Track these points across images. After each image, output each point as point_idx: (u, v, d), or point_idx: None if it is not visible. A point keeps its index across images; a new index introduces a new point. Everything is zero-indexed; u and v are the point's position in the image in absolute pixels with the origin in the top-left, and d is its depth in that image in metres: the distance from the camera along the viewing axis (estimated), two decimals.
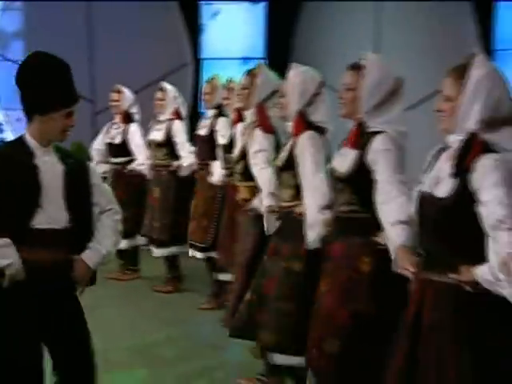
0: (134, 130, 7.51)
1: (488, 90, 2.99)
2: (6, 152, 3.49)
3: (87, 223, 3.49)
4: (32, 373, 3.37)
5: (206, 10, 11.36)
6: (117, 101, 7.50)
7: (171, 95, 7.19)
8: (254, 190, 4.99)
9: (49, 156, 3.37)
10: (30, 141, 3.40)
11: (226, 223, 6.17)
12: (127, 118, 7.47)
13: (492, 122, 2.98)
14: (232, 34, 11.26)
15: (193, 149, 6.95)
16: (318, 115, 4.28)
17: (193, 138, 7.14)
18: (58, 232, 3.36)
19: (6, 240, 3.24)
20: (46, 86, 3.36)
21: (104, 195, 3.58)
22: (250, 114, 5.20)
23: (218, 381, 5.10)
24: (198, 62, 11.08)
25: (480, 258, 2.86)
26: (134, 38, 10.57)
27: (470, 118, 2.95)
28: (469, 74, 2.92)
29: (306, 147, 4.16)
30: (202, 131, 6.77)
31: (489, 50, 9.81)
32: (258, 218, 4.74)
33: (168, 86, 7.28)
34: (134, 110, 7.59)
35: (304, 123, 4.27)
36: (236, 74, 7.05)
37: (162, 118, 7.11)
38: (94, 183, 3.54)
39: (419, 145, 4.21)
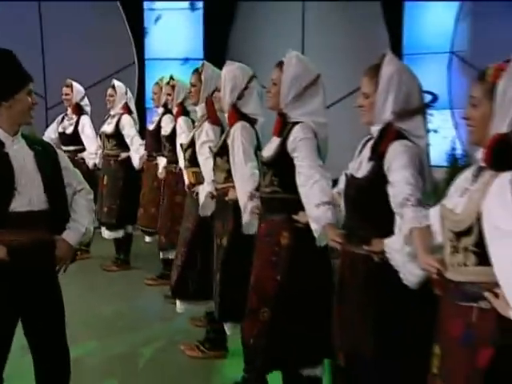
0: (85, 121, 7.46)
1: (397, 85, 3.03)
2: None
3: (63, 204, 3.44)
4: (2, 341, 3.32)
5: (148, 15, 11.19)
6: (68, 94, 7.44)
7: (121, 92, 7.19)
8: (199, 176, 4.97)
9: (18, 144, 3.31)
10: None
11: (165, 207, 6.25)
12: (78, 110, 7.43)
13: (404, 113, 3.03)
14: (173, 36, 11.16)
15: (141, 141, 6.95)
16: (248, 107, 4.26)
17: (142, 131, 7.13)
18: (36, 214, 3.29)
19: None
20: (1, 72, 3.31)
21: (74, 177, 3.53)
22: (200, 108, 5.17)
23: (162, 348, 5.12)
24: (142, 62, 10.91)
25: (390, 232, 2.93)
26: (84, 39, 10.37)
27: (385, 110, 3.00)
28: (381, 73, 2.97)
29: (237, 137, 4.15)
30: (151, 126, 6.82)
31: (400, 53, 9.88)
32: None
33: (118, 83, 7.27)
34: (84, 102, 7.55)
35: (236, 114, 4.26)
36: (177, 72, 7.11)
37: (112, 112, 7.10)
38: (64, 166, 3.48)
39: (342, 136, 4.24)
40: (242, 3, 10.74)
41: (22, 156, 3.34)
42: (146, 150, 6.85)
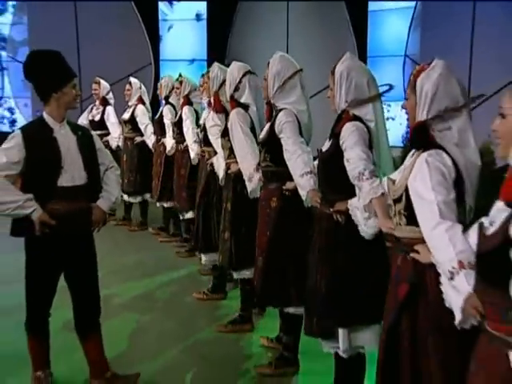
0: (110, 111, 7.41)
1: (347, 79, 3.01)
2: (31, 130, 3.39)
3: (98, 179, 3.44)
4: (47, 292, 3.37)
5: (163, 25, 11.24)
6: (96, 89, 7.41)
7: (136, 87, 7.14)
8: (211, 152, 5.04)
9: (64, 129, 3.30)
10: (49, 119, 3.33)
11: (176, 179, 6.17)
12: (104, 102, 7.35)
13: (357, 102, 3.00)
14: (182, 42, 11.12)
15: (152, 129, 7.00)
16: (243, 97, 4.19)
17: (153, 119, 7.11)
18: (78, 188, 3.28)
19: (29, 195, 3.17)
20: (52, 68, 3.30)
21: (106, 156, 3.53)
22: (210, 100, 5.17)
23: (174, 291, 5.11)
24: (157, 63, 10.96)
25: (351, 195, 2.93)
26: (110, 45, 10.37)
27: (341, 100, 2.99)
28: (335, 70, 2.96)
29: (235, 121, 4.11)
30: (157, 116, 6.88)
31: (365, 56, 9.78)
32: (212, 170, 4.79)
33: (134, 80, 7.24)
34: (109, 96, 7.47)
35: (234, 103, 4.20)
36: (185, 71, 7.16)
37: (130, 103, 7.06)
38: (98, 147, 3.49)
39: (320, 122, 4.21)
40: (238, 13, 10.55)
41: (67, 140, 3.32)
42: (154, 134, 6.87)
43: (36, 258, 3.37)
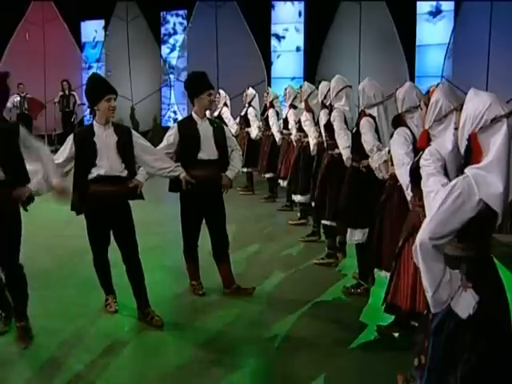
0: (225, 111, 7.98)
1: (361, 92, 3.66)
2: (182, 123, 3.81)
3: (226, 156, 3.79)
4: (195, 229, 3.83)
5: (273, 54, 12.26)
6: (218, 98, 7.97)
7: (251, 96, 7.86)
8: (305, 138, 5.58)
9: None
10: (195, 116, 3.69)
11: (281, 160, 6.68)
12: (224, 105, 8.00)
13: (368, 105, 3.60)
14: (287, 65, 12.10)
15: (258, 123, 7.57)
16: (339, 103, 4.36)
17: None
18: (212, 161, 3.72)
19: (178, 163, 3.57)
20: (197, 80, 3.74)
21: (232, 142, 3.84)
22: (302, 104, 5.74)
23: (271, 236, 5.76)
24: (269, 80, 11.79)
25: (366, 157, 3.44)
26: (235, 66, 11.47)
27: (364, 103, 3.61)
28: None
29: (337, 118, 4.29)
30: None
31: (413, 77, 10.26)
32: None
33: (249, 91, 7.95)
34: (228, 103, 8.11)
35: (331, 107, 4.45)
36: (291, 85, 7.65)
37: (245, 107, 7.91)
38: (228, 136, 3.84)
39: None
40: (325, 45, 11.21)
41: (205, 129, 3.66)
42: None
43: (185, 207, 3.73)
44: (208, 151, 3.69)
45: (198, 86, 3.70)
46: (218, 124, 3.81)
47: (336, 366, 3.08)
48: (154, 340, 3.39)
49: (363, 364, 3.10)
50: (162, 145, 3.75)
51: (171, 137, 3.73)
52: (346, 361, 3.15)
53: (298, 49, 12.13)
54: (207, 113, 4.54)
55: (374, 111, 3.66)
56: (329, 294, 4.10)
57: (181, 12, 13.28)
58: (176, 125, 3.82)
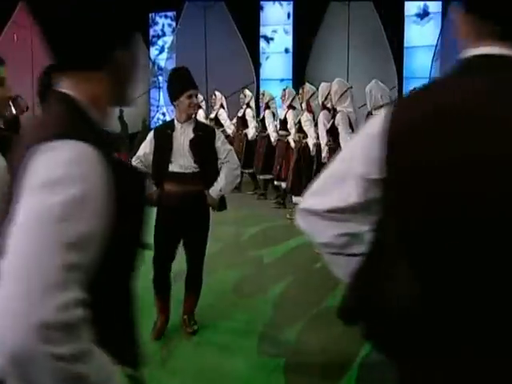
0: (222, 112, 8.04)
1: (368, 94, 3.81)
2: (160, 128, 3.51)
3: (213, 169, 3.33)
4: (169, 252, 3.35)
5: (262, 56, 12.14)
6: (214, 99, 8.12)
7: (248, 97, 7.87)
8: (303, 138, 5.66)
9: (185, 128, 3.28)
10: (175, 121, 3.31)
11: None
12: (220, 107, 8.07)
13: (375, 106, 3.78)
14: (275, 66, 12.04)
15: (256, 124, 7.68)
16: (343, 105, 4.45)
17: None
18: (187, 174, 3.24)
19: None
20: (175, 80, 3.26)
21: (224, 152, 3.32)
22: (303, 105, 5.86)
23: (273, 226, 5.91)
24: (258, 81, 11.79)
25: None
26: (225, 68, 11.15)
27: (371, 105, 3.87)
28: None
29: (341, 120, 4.37)
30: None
31: (401, 78, 10.47)
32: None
33: (246, 93, 8.03)
34: (224, 103, 8.15)
35: (323, 107, 4.78)
36: (277, 87, 8.34)
37: (242, 108, 7.95)
38: (217, 146, 3.32)
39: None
40: (313, 48, 11.15)
41: (184, 136, 3.21)
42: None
43: (156, 226, 3.29)
44: (182, 163, 3.22)
45: (175, 87, 3.23)
46: (206, 131, 3.28)
47: (349, 375, 3.06)
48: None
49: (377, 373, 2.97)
50: (138, 153, 3.36)
51: (147, 145, 3.35)
52: (356, 370, 3.10)
53: (286, 50, 12.15)
54: (201, 115, 4.47)
55: (381, 112, 3.51)
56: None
57: (170, 13, 13.17)
58: (152, 131, 3.42)
